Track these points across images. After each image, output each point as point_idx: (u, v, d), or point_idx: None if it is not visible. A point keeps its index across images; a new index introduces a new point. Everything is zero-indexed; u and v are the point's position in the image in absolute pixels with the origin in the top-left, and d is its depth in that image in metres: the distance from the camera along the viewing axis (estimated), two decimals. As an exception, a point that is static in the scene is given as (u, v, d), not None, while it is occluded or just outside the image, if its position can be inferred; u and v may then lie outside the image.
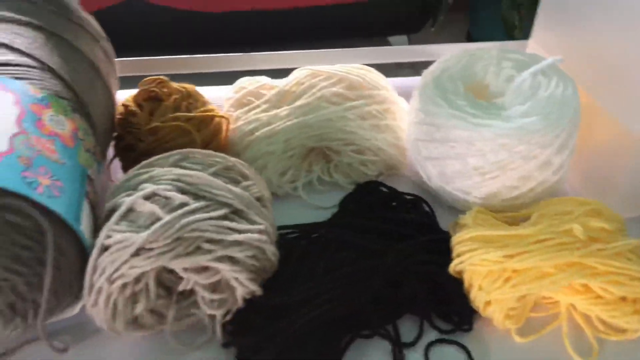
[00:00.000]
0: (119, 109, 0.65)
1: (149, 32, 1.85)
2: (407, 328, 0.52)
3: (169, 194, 0.49)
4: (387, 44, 2.00)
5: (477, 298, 0.51)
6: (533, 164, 0.57)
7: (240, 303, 0.50)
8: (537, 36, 0.72)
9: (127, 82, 0.74)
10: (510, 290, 0.50)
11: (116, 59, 0.71)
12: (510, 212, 0.60)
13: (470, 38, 2.01)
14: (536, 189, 0.60)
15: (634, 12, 0.56)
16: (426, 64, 0.66)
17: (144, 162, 0.54)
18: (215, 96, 0.75)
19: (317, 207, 0.65)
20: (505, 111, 0.58)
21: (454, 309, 0.53)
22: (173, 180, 0.50)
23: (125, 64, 0.78)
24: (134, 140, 0.61)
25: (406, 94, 0.70)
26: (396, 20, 1.96)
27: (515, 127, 0.55)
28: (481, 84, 0.64)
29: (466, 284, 0.52)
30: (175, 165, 0.53)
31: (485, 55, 0.64)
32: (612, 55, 0.59)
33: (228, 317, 0.51)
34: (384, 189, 0.64)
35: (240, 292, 0.49)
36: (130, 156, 0.61)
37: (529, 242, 0.51)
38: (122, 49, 0.76)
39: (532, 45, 0.72)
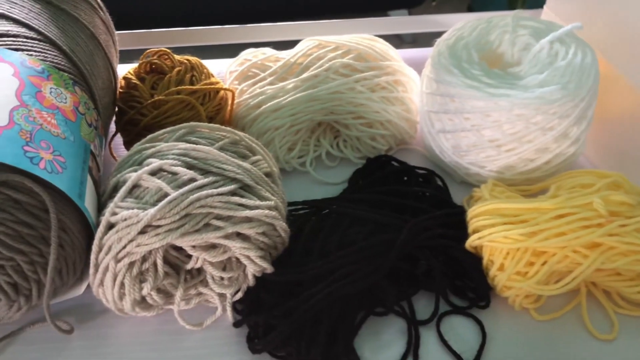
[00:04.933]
0: (120, 82, 0.63)
1: (146, 7, 1.80)
2: (422, 304, 0.51)
3: (176, 169, 0.47)
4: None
5: (497, 279, 0.49)
6: (550, 135, 0.55)
7: (250, 281, 0.49)
8: (551, 3, 0.69)
9: (127, 56, 0.71)
10: (532, 281, 0.48)
11: (116, 32, 0.69)
12: (525, 185, 0.58)
13: (471, 12, 1.97)
14: (552, 161, 0.58)
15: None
16: (427, 38, 0.63)
17: (149, 137, 0.52)
18: (218, 70, 0.72)
19: (326, 182, 0.64)
20: (522, 80, 0.55)
21: (470, 285, 0.51)
22: (180, 154, 0.48)
23: (125, 37, 0.75)
24: (136, 114, 0.59)
25: (414, 66, 0.68)
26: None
27: (533, 97, 0.53)
28: (495, 52, 0.61)
29: (485, 260, 0.50)
30: (181, 139, 0.51)
31: (501, 23, 0.62)
32: (631, 20, 0.56)
33: (238, 296, 0.49)
34: (395, 164, 0.62)
35: (251, 270, 0.48)
36: (133, 131, 0.59)
37: (549, 218, 0.49)
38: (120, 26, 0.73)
39: (547, 12, 0.69)
